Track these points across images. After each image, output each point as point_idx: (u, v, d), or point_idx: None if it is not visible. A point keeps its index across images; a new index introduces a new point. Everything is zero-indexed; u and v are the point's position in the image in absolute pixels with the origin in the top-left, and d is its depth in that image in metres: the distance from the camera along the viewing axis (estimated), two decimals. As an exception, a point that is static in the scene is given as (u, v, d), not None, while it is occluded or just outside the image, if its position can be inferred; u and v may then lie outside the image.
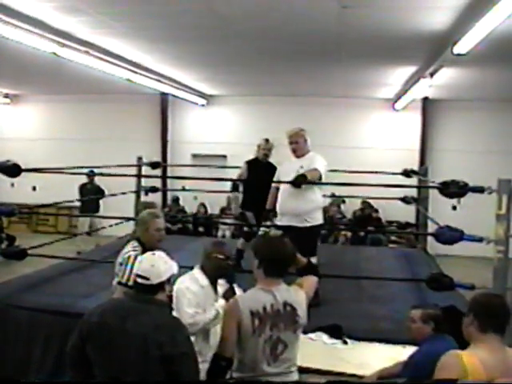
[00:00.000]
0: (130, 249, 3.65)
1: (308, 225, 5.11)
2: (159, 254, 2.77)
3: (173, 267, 2.73)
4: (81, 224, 11.12)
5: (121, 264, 3.62)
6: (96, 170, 8.25)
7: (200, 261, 3.55)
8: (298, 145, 5.28)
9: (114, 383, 2.54)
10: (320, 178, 5.02)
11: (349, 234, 12.00)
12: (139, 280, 2.64)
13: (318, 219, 5.21)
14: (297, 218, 5.09)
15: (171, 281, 2.77)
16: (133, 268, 3.22)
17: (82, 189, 11.05)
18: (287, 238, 2.98)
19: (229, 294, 3.36)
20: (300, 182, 4.85)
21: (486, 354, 2.38)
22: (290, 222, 5.11)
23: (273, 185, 5.51)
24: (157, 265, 2.66)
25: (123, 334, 2.50)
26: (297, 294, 2.87)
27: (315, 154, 5.33)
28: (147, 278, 2.62)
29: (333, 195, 10.60)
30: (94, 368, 2.58)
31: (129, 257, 3.58)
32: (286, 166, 5.38)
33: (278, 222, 5.31)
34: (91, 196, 10.44)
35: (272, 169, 5.89)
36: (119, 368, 2.51)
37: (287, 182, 5.06)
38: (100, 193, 10.50)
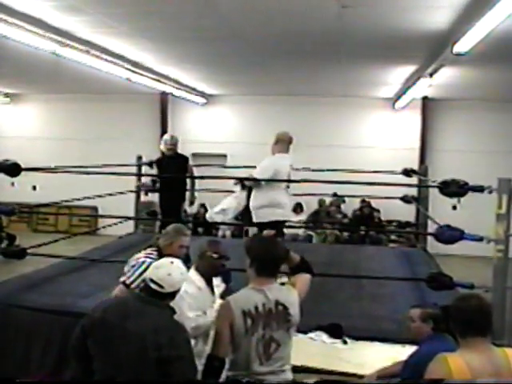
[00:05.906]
0: (146, 254, 3.63)
1: (256, 221, 5.38)
2: (177, 262, 2.76)
3: (186, 278, 2.75)
4: None
5: (133, 266, 3.59)
6: (96, 170, 8.22)
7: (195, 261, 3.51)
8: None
9: (113, 383, 2.55)
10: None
11: (336, 233, 11.94)
12: (152, 285, 2.64)
13: (264, 217, 5.35)
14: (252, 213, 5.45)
15: (180, 291, 2.77)
16: (142, 274, 3.29)
17: None
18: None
19: (226, 295, 3.32)
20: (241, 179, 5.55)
21: (473, 356, 2.42)
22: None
23: None
24: (174, 274, 2.66)
25: (123, 332, 2.52)
26: (289, 294, 2.88)
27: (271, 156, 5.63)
28: (161, 286, 2.62)
29: (335, 195, 10.59)
30: (94, 362, 2.60)
31: (143, 262, 3.56)
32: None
33: None
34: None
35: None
36: (116, 365, 2.53)
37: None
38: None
